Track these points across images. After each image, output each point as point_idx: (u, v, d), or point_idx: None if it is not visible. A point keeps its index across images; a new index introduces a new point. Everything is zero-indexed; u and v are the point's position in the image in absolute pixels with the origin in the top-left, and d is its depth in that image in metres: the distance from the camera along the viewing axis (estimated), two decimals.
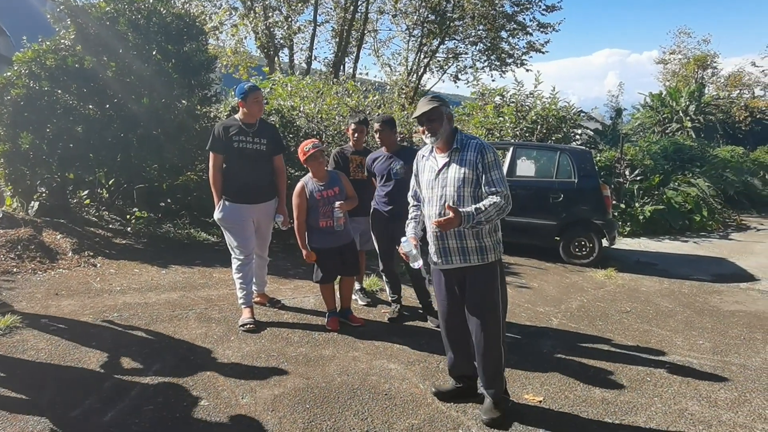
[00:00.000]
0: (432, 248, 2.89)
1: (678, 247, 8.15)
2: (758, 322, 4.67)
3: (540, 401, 3.09)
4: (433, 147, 2.90)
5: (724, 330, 4.45)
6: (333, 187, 3.93)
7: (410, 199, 3.14)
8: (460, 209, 2.65)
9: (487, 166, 2.76)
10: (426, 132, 2.83)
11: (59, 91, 6.15)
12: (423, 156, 2.98)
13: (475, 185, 2.76)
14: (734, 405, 3.13)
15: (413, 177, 3.08)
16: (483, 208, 2.67)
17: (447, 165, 2.82)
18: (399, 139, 9.82)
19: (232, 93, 6.19)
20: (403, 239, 2.90)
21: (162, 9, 6.48)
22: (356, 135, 4.46)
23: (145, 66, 6.25)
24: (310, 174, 3.98)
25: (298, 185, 3.95)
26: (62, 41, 6.26)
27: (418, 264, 2.94)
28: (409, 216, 3.12)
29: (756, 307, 5.14)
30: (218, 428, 2.70)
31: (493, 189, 2.73)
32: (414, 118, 2.83)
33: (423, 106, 2.83)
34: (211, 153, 4.02)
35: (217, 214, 4.08)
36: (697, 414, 3.01)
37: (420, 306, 4.40)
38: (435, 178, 2.85)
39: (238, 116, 4.05)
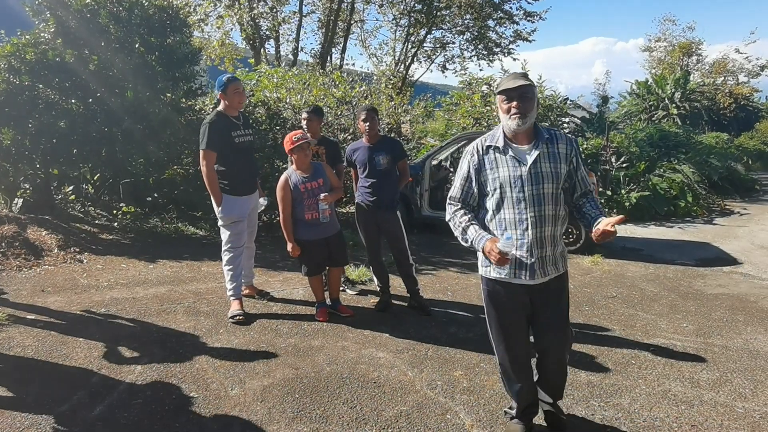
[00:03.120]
0: (519, 261, 2.35)
1: (663, 233, 8.25)
2: (740, 305, 4.76)
3: None
4: (501, 137, 2.37)
5: (707, 313, 4.53)
6: (317, 178, 3.92)
7: (455, 203, 2.49)
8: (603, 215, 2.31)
9: (580, 162, 2.40)
10: (514, 111, 2.28)
11: (40, 86, 6.07)
12: (491, 147, 2.39)
13: (563, 183, 2.38)
14: (716, 385, 3.20)
15: (467, 175, 2.43)
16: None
17: (538, 157, 2.33)
18: (387, 129, 9.85)
19: None
20: (506, 236, 2.29)
21: (144, 1, 6.39)
22: (306, 123, 4.34)
23: (128, 59, 6.17)
24: (293, 167, 3.97)
25: (282, 178, 3.93)
26: (42, 35, 6.16)
27: (504, 269, 2.37)
28: (465, 220, 2.43)
29: (738, 290, 5.23)
30: (207, 420, 2.71)
31: (585, 188, 2.43)
32: (501, 91, 2.32)
33: (516, 80, 2.29)
34: (206, 151, 3.84)
35: (221, 212, 4.01)
36: (680, 394, 3.07)
37: (407, 295, 4.43)
38: (527, 174, 2.31)
39: (221, 110, 3.99)
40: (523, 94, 2.27)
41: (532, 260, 2.33)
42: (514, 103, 2.27)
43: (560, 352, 2.52)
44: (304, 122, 4.38)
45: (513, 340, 2.48)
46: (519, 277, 2.37)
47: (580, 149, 2.29)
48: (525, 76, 2.33)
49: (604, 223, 2.26)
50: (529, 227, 2.31)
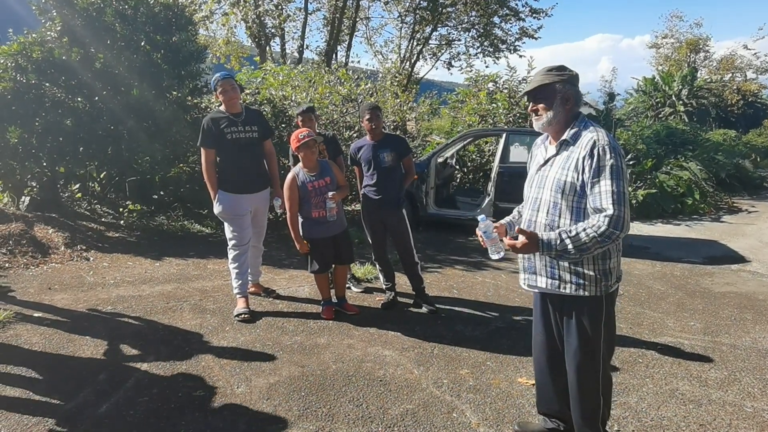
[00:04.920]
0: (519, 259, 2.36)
1: (670, 231, 8.20)
2: (748, 303, 4.72)
3: (533, 384, 3.12)
4: (547, 134, 2.31)
5: (715, 311, 4.50)
6: (324, 177, 3.92)
7: None
8: (540, 234, 2.08)
9: (597, 172, 2.03)
10: (531, 114, 2.25)
11: (47, 84, 6.09)
12: (540, 142, 2.37)
13: (579, 195, 2.10)
14: (724, 384, 3.18)
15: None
16: (573, 234, 2.02)
17: (551, 160, 2.21)
18: (393, 127, 9.83)
19: None
20: (480, 217, 2.23)
21: None
22: (302, 124, 4.32)
23: (134, 57, 6.19)
24: (300, 164, 3.96)
25: (289, 176, 3.92)
26: (48, 33, 6.18)
27: (498, 255, 2.22)
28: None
29: (746, 288, 5.19)
30: (213, 418, 2.72)
31: (598, 205, 2.03)
32: (521, 96, 2.40)
33: (533, 82, 2.23)
34: (203, 149, 3.98)
35: (216, 208, 4.06)
36: (688, 393, 3.05)
37: (413, 293, 4.42)
38: (536, 173, 2.28)
39: (222, 108, 4.03)
40: (534, 97, 2.22)
41: (523, 262, 2.31)
42: (531, 105, 2.24)
43: (572, 379, 2.27)
44: (300, 123, 4.37)
45: (534, 344, 2.47)
46: (523, 280, 2.36)
47: (609, 156, 2.02)
48: (548, 73, 2.19)
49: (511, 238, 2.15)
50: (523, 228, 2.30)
